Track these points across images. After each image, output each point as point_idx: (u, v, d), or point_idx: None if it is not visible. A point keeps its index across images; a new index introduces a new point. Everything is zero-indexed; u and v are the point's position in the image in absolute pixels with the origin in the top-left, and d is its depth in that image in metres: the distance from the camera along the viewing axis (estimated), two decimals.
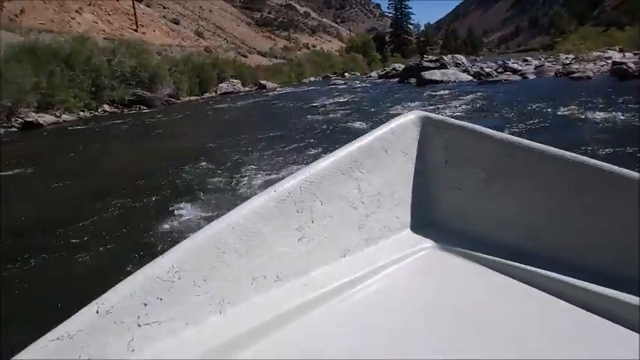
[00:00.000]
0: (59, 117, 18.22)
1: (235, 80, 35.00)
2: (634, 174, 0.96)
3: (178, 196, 5.77)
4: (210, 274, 0.89)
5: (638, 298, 0.85)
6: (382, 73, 35.04)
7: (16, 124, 16.23)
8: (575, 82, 15.68)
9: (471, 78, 20.85)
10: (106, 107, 21.49)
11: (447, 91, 16.75)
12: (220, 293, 0.90)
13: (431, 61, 23.35)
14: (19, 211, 5.72)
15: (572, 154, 1.06)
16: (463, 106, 12.25)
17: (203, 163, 7.80)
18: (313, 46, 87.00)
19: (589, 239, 1.01)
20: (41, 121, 16.72)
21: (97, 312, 0.76)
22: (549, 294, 0.94)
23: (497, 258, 1.06)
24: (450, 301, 0.97)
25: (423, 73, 21.52)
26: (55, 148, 11.37)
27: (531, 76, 19.55)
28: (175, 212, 5.11)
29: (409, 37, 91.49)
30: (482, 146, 1.19)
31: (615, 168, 0.99)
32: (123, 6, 48.60)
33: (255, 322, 0.88)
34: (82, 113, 19.78)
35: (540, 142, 1.12)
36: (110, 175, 8.05)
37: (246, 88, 35.17)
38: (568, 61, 21.43)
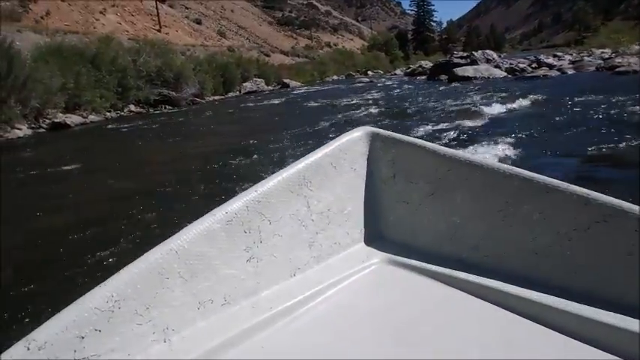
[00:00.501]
0: (86, 117, 18.09)
1: (259, 79, 34.87)
2: (568, 186, 0.99)
3: (212, 196, 5.56)
4: (152, 302, 0.86)
5: (577, 305, 0.88)
6: (408, 71, 34.36)
7: (44, 125, 16.13)
8: (621, 77, 14.92)
9: (505, 74, 20.21)
10: (132, 107, 21.35)
11: (482, 88, 16.12)
12: (164, 321, 0.87)
13: (461, 57, 22.72)
14: (61, 211, 5.65)
15: (509, 167, 1.10)
16: (508, 104, 11.55)
17: (234, 161, 7.43)
18: (335, 45, 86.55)
19: (527, 249, 1.03)
20: (69, 122, 16.60)
21: (28, 349, 0.71)
22: (491, 303, 0.96)
23: (443, 269, 1.08)
24: (398, 314, 0.98)
25: (455, 69, 20.94)
26: (84, 149, 11.12)
27: (570, 71, 18.80)
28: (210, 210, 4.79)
29: (432, 35, 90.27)
30: (427, 161, 1.21)
31: (551, 180, 1.02)
32: (146, 6, 48.84)
33: (203, 348, 0.85)
34: (108, 114, 19.66)
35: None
36: (143, 175, 7.72)
37: (270, 87, 35.02)
38: (607, 56, 20.50)
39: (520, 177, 1.06)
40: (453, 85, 19.10)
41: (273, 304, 0.98)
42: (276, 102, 21.71)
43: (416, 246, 1.20)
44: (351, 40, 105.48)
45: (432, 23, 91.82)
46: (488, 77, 19.98)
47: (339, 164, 1.23)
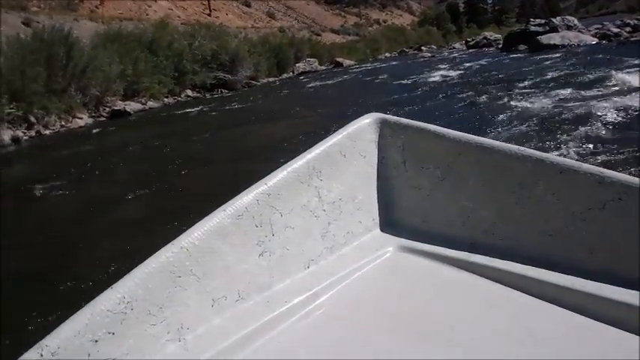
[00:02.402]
0: (145, 104, 17.81)
1: (312, 59, 34.04)
2: (581, 165, 0.99)
3: None
4: (166, 302, 0.85)
5: (594, 284, 0.88)
6: (472, 44, 32.16)
7: (104, 114, 15.90)
8: None
9: (596, 40, 18.19)
10: (189, 92, 20.97)
11: (580, 56, 14.21)
12: (178, 320, 0.86)
13: (539, 25, 20.78)
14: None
15: (521, 148, 1.08)
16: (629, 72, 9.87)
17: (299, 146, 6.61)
18: (384, 22, 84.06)
19: (542, 230, 1.02)
20: (128, 109, 16.32)
21: (42, 355, 0.71)
22: (506, 286, 0.96)
23: (457, 253, 1.07)
24: (415, 302, 0.97)
25: (539, 37, 18.97)
26: (148, 136, 10.57)
27: None
28: None
29: (484, 7, 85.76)
30: (437, 146, 1.20)
31: (564, 160, 1.02)
32: None
33: (218, 346, 0.84)
34: (166, 99, 19.34)
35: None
36: (214, 162, 6.98)
37: (323, 67, 34.12)
38: None
39: (532, 158, 1.04)
40: (539, 55, 17.05)
41: (288, 297, 0.96)
42: (336, 81, 20.61)
43: (429, 232, 1.18)
44: (400, 16, 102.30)
45: None
46: (579, 44, 18.08)
47: (349, 152, 1.22)
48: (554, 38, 18.67)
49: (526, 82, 11.07)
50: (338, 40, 51.71)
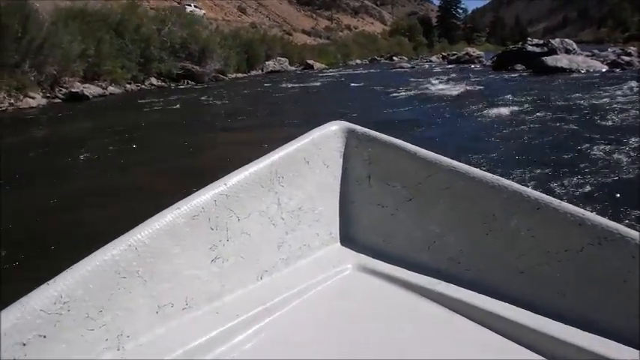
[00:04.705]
0: (105, 89, 16.80)
1: (282, 59, 33.60)
2: (560, 203, 0.95)
3: None
4: (106, 304, 0.79)
5: (564, 328, 0.85)
6: (452, 58, 32.08)
7: (60, 95, 14.81)
8: None
9: (606, 67, 17.61)
10: (154, 80, 20.03)
11: (595, 84, 13.12)
12: (119, 326, 0.80)
13: (537, 45, 20.19)
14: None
15: (496, 177, 1.03)
16: None
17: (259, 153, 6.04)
18: (355, 28, 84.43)
19: (512, 266, 0.98)
20: (87, 93, 15.32)
21: None
22: (468, 319, 0.92)
23: (419, 279, 1.02)
24: (369, 326, 0.93)
25: (543, 59, 18.12)
26: (104, 125, 9.73)
27: None
28: None
29: (457, 23, 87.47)
30: (406, 163, 1.14)
31: (542, 195, 0.97)
32: None
33: (160, 359, 0.79)
34: (128, 86, 18.37)
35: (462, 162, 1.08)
36: (171, 159, 6.34)
37: (293, 68, 33.72)
38: None
39: (509, 189, 1.00)
40: (542, 77, 16.22)
41: (239, 311, 0.92)
42: (307, 84, 20.05)
43: (391, 253, 1.12)
44: (372, 24, 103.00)
45: (459, 10, 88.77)
46: (589, 70, 17.20)
47: (312, 160, 1.16)
48: (560, 61, 17.78)
49: (539, 106, 10.01)
50: (309, 42, 51.35)
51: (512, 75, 18.62)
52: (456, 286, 0.97)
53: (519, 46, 22.18)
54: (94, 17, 17.74)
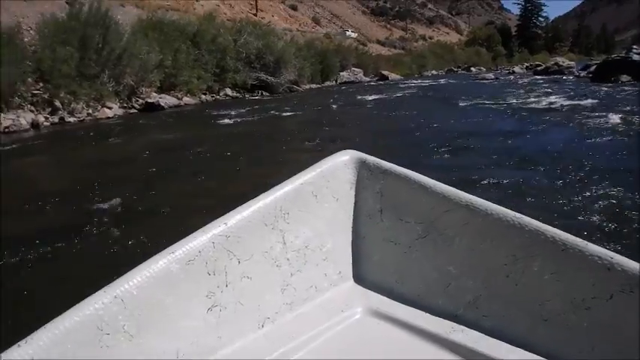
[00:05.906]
0: (180, 99, 16.71)
1: (357, 69, 32.87)
2: (587, 244, 0.87)
3: None
4: None
5: None
6: (540, 69, 30.18)
7: (136, 105, 14.77)
8: None
9: None
10: (228, 91, 19.84)
11: None
12: None
13: None
14: None
15: (519, 215, 0.95)
16: None
17: None
18: (430, 38, 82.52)
19: (535, 313, 0.90)
20: (162, 103, 15.20)
21: None
22: None
23: (434, 326, 0.95)
24: None
25: None
26: (180, 137, 9.24)
27: None
28: None
29: (538, 32, 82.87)
30: (421, 198, 1.07)
31: (567, 236, 0.89)
32: None
33: None
34: (203, 96, 18.22)
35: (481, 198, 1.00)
36: (245, 173, 5.53)
37: (367, 78, 32.81)
38: None
39: (531, 229, 0.92)
40: None
41: None
42: (385, 96, 18.95)
43: (404, 295, 1.04)
44: (447, 33, 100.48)
45: (540, 19, 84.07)
46: None
47: (321, 193, 1.10)
48: None
49: None
50: (383, 52, 50.38)
51: (623, 88, 16.36)
52: (474, 333, 0.90)
53: (623, 54, 19.83)
54: (172, 28, 17.79)
